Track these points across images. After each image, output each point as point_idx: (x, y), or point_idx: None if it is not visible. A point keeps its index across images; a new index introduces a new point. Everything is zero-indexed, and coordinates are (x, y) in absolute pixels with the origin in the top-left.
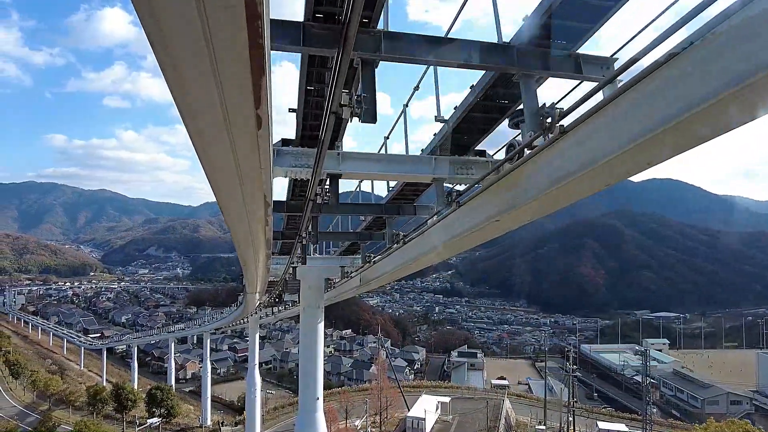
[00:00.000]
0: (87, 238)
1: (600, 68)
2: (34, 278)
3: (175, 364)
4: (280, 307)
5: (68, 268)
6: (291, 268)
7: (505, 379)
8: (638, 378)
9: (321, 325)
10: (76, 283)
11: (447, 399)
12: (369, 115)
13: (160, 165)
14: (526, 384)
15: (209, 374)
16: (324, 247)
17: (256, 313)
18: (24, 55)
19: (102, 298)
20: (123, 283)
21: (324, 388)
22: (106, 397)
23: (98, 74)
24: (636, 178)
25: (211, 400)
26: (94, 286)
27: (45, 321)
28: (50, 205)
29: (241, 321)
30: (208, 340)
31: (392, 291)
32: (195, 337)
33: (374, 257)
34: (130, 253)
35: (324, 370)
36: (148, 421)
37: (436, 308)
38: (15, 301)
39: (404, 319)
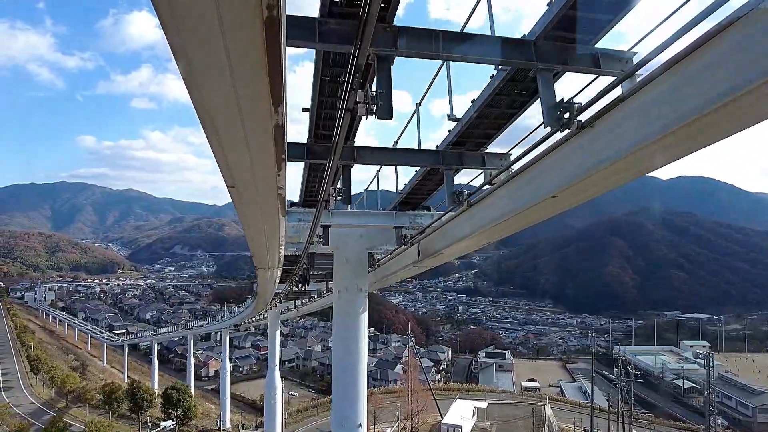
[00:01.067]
0: (115, 236)
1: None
2: (65, 275)
3: (198, 361)
4: (304, 299)
5: (97, 266)
6: (321, 228)
7: (535, 381)
8: (678, 382)
9: (364, 317)
10: (104, 281)
11: (484, 404)
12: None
13: (186, 165)
14: (558, 386)
15: (228, 373)
16: (366, 202)
17: (275, 306)
18: (57, 59)
19: (128, 295)
20: (149, 281)
21: None
22: (122, 396)
23: (126, 77)
24: (664, 176)
25: (233, 399)
26: (121, 283)
27: (72, 317)
28: (81, 205)
29: (262, 317)
30: (227, 337)
31: (414, 290)
32: (219, 335)
33: (466, 195)
34: (156, 251)
35: None
36: (161, 424)
37: (460, 308)
38: (45, 297)
39: (427, 318)
